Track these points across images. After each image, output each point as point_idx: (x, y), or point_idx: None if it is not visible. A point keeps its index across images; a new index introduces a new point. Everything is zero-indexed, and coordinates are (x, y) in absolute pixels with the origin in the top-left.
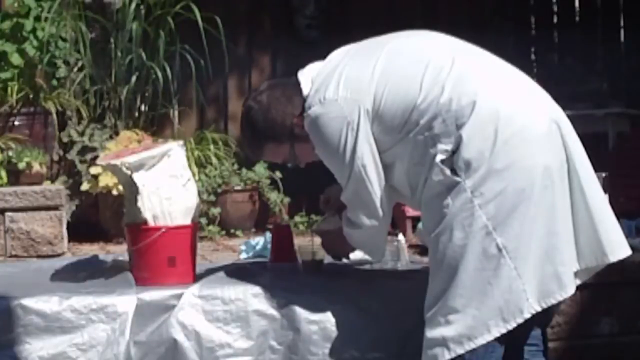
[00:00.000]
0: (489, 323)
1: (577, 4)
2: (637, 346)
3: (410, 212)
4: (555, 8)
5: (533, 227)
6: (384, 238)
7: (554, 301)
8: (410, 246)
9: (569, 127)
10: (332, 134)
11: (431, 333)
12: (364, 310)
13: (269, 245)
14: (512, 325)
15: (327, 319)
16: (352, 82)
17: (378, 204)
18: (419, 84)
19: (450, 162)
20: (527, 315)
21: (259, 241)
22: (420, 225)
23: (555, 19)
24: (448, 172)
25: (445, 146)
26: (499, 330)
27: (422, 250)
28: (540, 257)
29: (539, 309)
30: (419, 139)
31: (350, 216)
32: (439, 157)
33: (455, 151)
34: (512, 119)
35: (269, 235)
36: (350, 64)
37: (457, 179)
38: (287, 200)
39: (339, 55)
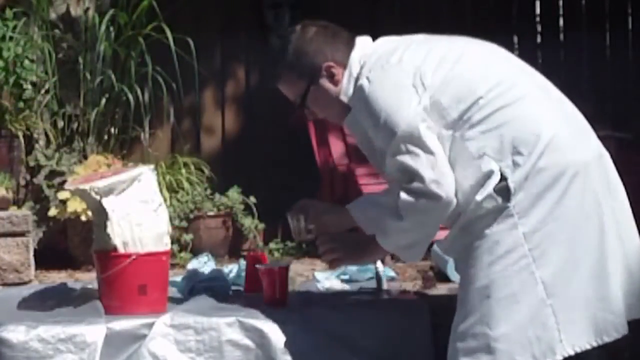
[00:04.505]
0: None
1: (562, 22)
2: (638, 345)
3: None
4: (539, 28)
5: (579, 266)
6: (435, 225)
7: (589, 346)
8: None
9: (612, 165)
10: (391, 96)
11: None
12: (341, 341)
13: (243, 274)
14: None
15: (303, 349)
16: (417, 56)
17: (445, 161)
18: (485, 87)
19: (501, 185)
20: (559, 358)
21: (233, 268)
22: (435, 247)
23: (539, 39)
24: (496, 195)
25: (498, 165)
26: None
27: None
28: (583, 298)
29: (572, 353)
30: (469, 148)
31: (406, 187)
32: (495, 178)
33: (508, 173)
34: (568, 154)
35: (242, 262)
36: (416, 44)
37: (507, 203)
38: (261, 226)
39: (403, 37)
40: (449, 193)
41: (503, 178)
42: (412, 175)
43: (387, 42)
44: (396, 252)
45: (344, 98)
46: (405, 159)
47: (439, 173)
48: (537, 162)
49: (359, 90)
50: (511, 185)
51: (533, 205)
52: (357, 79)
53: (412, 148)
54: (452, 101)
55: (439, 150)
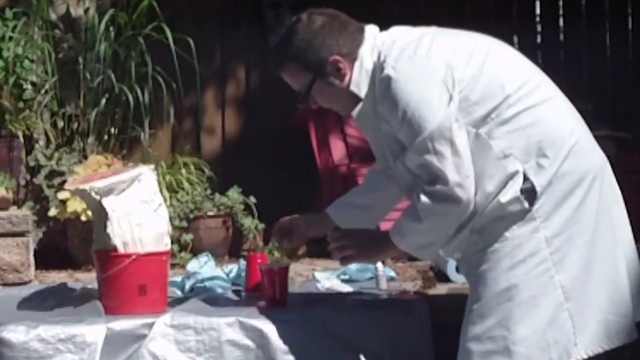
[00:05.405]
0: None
1: (561, 22)
2: (638, 346)
3: None
4: (539, 28)
5: (594, 270)
6: (454, 226)
7: (601, 350)
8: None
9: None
10: (420, 89)
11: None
12: (341, 341)
13: (243, 274)
14: None
15: (303, 349)
16: (446, 49)
17: (470, 164)
18: (515, 85)
19: (527, 187)
20: None
21: (233, 268)
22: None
23: (539, 39)
24: (523, 198)
25: (522, 166)
26: None
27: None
28: (597, 302)
29: (585, 357)
30: (494, 148)
31: (428, 189)
32: (518, 180)
33: (531, 175)
34: (587, 158)
35: (242, 262)
36: (440, 37)
37: (531, 207)
38: (261, 226)
39: (420, 28)
40: (470, 196)
41: (525, 180)
42: (435, 176)
43: (405, 32)
44: (411, 251)
45: (355, 89)
46: (432, 159)
47: (464, 176)
48: (561, 166)
49: (384, 80)
50: (538, 188)
51: (555, 209)
52: (373, 70)
53: (439, 148)
54: (481, 98)
55: (466, 151)
